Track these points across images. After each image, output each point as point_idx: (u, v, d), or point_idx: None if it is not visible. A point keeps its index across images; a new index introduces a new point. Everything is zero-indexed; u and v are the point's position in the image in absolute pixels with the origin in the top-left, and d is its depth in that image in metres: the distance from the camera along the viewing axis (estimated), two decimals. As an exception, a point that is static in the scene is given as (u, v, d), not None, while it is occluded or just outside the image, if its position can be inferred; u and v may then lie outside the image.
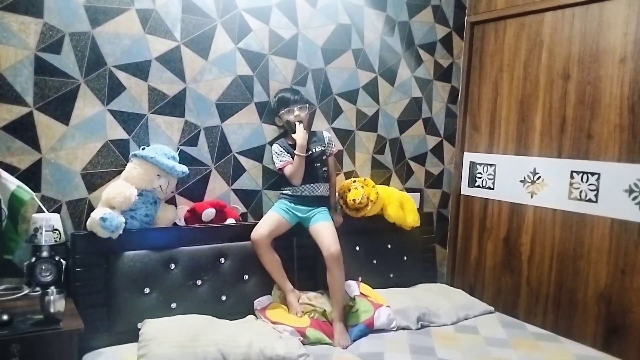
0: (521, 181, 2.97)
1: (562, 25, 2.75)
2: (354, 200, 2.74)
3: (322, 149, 2.61)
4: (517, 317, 2.79)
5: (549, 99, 2.82)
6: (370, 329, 2.34)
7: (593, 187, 2.62)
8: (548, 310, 2.83)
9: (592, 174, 2.62)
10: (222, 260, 2.35)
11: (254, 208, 2.66)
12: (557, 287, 2.79)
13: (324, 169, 2.60)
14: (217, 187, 2.55)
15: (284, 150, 2.55)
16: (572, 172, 2.72)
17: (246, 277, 2.40)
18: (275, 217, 2.48)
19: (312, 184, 2.53)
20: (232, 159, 2.58)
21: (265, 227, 2.42)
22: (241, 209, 2.62)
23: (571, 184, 2.72)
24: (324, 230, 2.46)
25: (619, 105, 2.52)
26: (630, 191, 2.47)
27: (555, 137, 2.80)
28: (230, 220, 2.49)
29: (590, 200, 2.64)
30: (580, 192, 2.68)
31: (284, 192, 2.59)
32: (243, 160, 2.61)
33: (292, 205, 2.52)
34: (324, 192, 2.59)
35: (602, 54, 2.59)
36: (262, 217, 2.53)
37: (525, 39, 2.93)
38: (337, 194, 2.81)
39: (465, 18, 3.28)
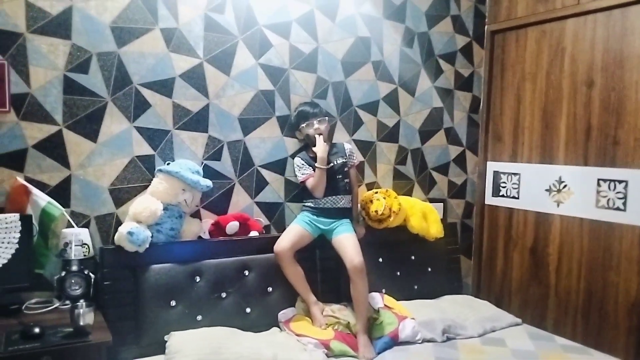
0: (546, 190, 2.93)
1: (585, 32, 2.72)
2: (376, 211, 2.74)
3: (344, 160, 2.61)
4: (545, 329, 2.74)
5: (573, 107, 2.78)
6: (395, 341, 2.33)
7: (621, 195, 2.57)
8: (577, 321, 2.76)
9: (620, 181, 2.57)
10: (246, 272, 2.38)
11: (276, 220, 2.69)
12: (587, 298, 2.72)
13: (345, 180, 2.60)
14: (240, 200, 2.58)
15: (305, 164, 2.55)
16: (598, 180, 2.67)
17: (270, 289, 2.41)
18: (297, 229, 2.49)
19: (333, 196, 2.54)
20: (254, 172, 2.61)
21: (288, 239, 2.43)
22: (264, 221, 2.65)
23: (598, 192, 2.67)
24: (347, 242, 2.45)
25: (645, 112, 2.48)
26: (660, 199, 2.41)
27: (581, 145, 2.75)
28: (254, 233, 2.52)
29: (618, 209, 2.58)
30: (608, 200, 2.63)
31: (306, 204, 2.60)
32: (265, 173, 2.64)
33: (315, 217, 2.53)
34: (345, 204, 2.58)
35: (627, 60, 2.55)
36: (284, 229, 2.55)
37: (547, 46, 2.91)
38: (359, 205, 2.81)
39: (485, 27, 3.27)
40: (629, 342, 2.53)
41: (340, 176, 2.58)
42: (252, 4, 2.52)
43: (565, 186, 2.84)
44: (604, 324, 2.64)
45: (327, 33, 2.75)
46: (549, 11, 2.87)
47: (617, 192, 2.59)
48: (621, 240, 2.58)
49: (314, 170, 2.52)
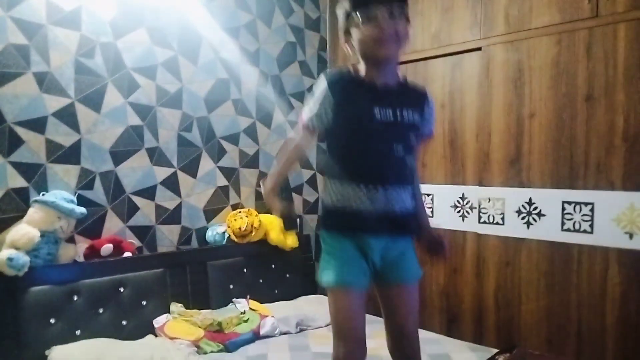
0: (379, 203, 3.60)
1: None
2: (239, 228, 3.17)
3: (415, 122, 1.58)
4: (381, 316, 3.35)
5: (395, 136, 3.49)
6: (256, 336, 2.75)
7: (429, 205, 3.30)
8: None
9: (428, 194, 3.30)
10: (122, 289, 2.65)
11: (148, 241, 2.98)
12: (412, 288, 3.41)
13: (410, 159, 1.61)
14: (113, 225, 2.84)
15: (322, 97, 1.52)
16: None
17: (144, 302, 2.71)
18: (344, 296, 1.61)
19: (388, 189, 1.53)
20: (126, 199, 2.90)
21: (349, 331, 1.63)
22: (137, 243, 2.93)
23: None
24: (404, 297, 1.69)
25: (442, 141, 3.23)
26: (455, 206, 3.17)
27: (401, 167, 3.46)
28: (127, 254, 2.79)
29: (429, 216, 3.31)
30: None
31: (326, 204, 1.61)
32: (137, 199, 2.94)
33: (348, 240, 1.60)
34: (408, 204, 1.61)
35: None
36: (156, 249, 2.84)
37: (374, 88, 3.61)
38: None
39: (327, 70, 3.92)
40: (442, 319, 3.24)
41: (404, 149, 1.55)
42: (121, 50, 2.84)
43: (392, 200, 3.52)
44: (425, 307, 3.33)
45: (191, 75, 3.15)
46: (373, 60, 3.57)
47: (427, 203, 3.32)
48: (433, 240, 3.30)
49: (333, 110, 1.50)
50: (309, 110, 1.56)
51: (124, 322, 2.60)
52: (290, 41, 3.70)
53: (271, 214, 3.57)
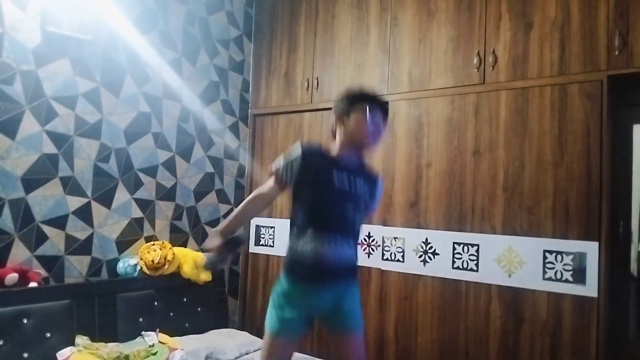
0: (292, 239, 3.77)
1: (316, 123, 3.72)
2: (152, 261, 3.19)
3: (366, 194, 1.96)
4: (291, 350, 3.47)
5: (309, 176, 3.72)
6: (164, 369, 2.77)
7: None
8: (314, 337, 3.59)
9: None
10: (25, 320, 2.57)
11: (56, 272, 2.92)
12: (320, 321, 3.57)
13: (358, 223, 1.95)
14: (19, 254, 2.76)
15: (292, 160, 1.91)
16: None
17: (48, 334, 2.64)
18: (272, 341, 1.93)
19: (338, 240, 1.86)
20: (35, 227, 2.84)
21: None
22: (44, 273, 2.86)
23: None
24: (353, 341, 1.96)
25: (353, 182, 3.50)
26: (361, 244, 3.41)
27: (314, 205, 3.68)
28: (33, 284, 2.72)
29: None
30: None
31: (290, 249, 1.92)
32: (46, 228, 2.88)
33: (297, 295, 1.89)
34: (354, 259, 1.95)
35: (342, 145, 3.58)
36: (64, 280, 2.79)
37: (292, 130, 3.84)
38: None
39: (249, 110, 4.11)
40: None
41: (354, 211, 1.89)
42: (41, 78, 2.84)
43: (305, 236, 3.71)
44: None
45: (112, 107, 3.19)
46: (292, 105, 3.82)
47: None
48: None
49: (295, 178, 1.89)
50: (279, 162, 1.94)
51: (26, 355, 2.52)
52: (214, 80, 3.86)
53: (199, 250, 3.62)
